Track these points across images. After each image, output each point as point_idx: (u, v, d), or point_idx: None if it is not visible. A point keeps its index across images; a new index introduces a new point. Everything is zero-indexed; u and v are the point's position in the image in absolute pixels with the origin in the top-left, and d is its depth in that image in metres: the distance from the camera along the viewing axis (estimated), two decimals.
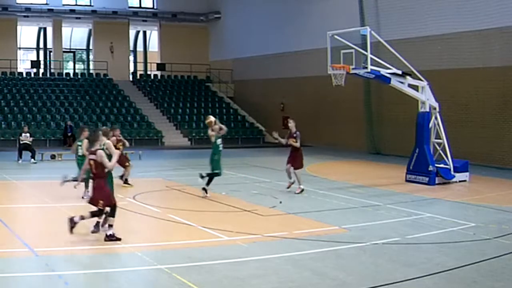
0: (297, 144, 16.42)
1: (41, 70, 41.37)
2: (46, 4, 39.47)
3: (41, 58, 43.03)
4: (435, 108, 19.24)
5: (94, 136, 11.24)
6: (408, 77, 19.11)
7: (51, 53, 41.74)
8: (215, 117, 17.17)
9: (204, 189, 15.64)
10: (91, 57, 43.84)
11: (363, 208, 14.65)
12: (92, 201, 10.82)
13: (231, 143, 35.71)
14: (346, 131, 31.65)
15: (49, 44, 42.12)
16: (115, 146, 13.81)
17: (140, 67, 45.60)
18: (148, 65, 45.69)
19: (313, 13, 33.69)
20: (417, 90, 19.23)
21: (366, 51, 18.16)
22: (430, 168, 18.55)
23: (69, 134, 32.22)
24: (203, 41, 44.02)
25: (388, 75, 18.71)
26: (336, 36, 19.06)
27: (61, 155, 26.22)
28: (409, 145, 20.36)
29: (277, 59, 36.75)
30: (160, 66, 43.10)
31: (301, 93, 35.16)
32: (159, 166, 24.14)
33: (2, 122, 32.96)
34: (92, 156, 10.72)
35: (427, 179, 18.54)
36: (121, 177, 17.39)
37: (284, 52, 35.90)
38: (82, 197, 14.38)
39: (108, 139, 11.81)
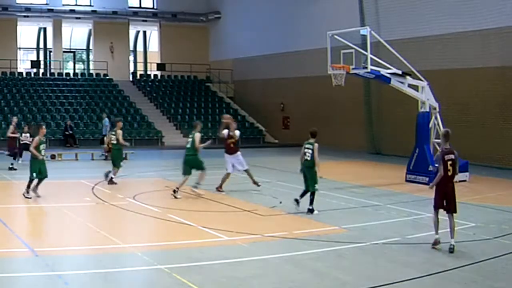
0: None
1: (41, 70, 41.33)
2: (46, 4, 39.45)
3: (41, 58, 43.01)
4: (435, 108, 19.24)
5: None
6: (408, 77, 19.11)
7: (51, 53, 41.74)
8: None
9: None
10: (91, 57, 43.83)
11: (363, 208, 14.66)
12: None
13: None
14: (346, 131, 31.65)
15: (49, 44, 42.11)
16: None
17: (140, 67, 45.59)
18: (148, 65, 45.68)
19: (313, 13, 33.69)
20: (417, 90, 19.23)
21: (366, 51, 18.16)
22: (430, 168, 18.53)
23: (70, 133, 32.29)
24: (203, 41, 44.02)
25: (388, 75, 18.72)
26: (336, 36, 19.06)
27: (61, 155, 26.22)
28: (409, 145, 20.36)
29: (277, 59, 36.74)
30: (160, 66, 43.09)
31: (301, 93, 35.16)
32: (159, 166, 24.13)
33: (2, 122, 32.95)
34: None
35: (427, 179, 18.51)
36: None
37: (284, 52, 35.89)
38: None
39: None
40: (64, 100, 36.69)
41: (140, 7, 43.20)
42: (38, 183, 15.07)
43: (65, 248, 10.22)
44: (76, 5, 40.74)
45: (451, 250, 10.13)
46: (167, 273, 8.74)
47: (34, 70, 40.68)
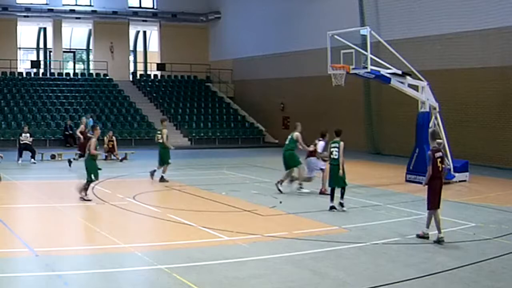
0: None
1: (41, 70, 41.34)
2: (46, 4, 39.46)
3: (41, 58, 43.03)
4: (435, 108, 19.23)
5: None
6: (408, 77, 19.10)
7: (51, 53, 41.74)
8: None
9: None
10: (91, 57, 43.84)
11: (363, 208, 14.67)
12: None
13: (231, 143, 35.79)
14: (346, 131, 31.23)
15: (49, 44, 42.11)
16: None
17: (140, 67, 45.59)
18: (148, 65, 45.68)
19: (313, 13, 33.68)
20: (417, 90, 19.23)
21: (366, 51, 18.16)
22: None
23: (70, 133, 32.31)
24: (203, 41, 44.02)
25: (388, 75, 18.72)
26: (336, 36, 19.06)
27: (61, 155, 26.20)
28: (409, 145, 20.35)
29: (277, 59, 36.74)
30: (160, 66, 43.10)
31: (301, 93, 35.14)
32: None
33: (2, 122, 32.95)
34: None
35: None
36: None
37: (284, 52, 35.88)
38: None
39: None
40: (64, 100, 36.68)
41: (140, 7, 43.20)
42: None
43: (65, 248, 10.22)
44: (76, 5, 40.75)
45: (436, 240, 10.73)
46: (167, 273, 8.74)
47: (34, 70, 40.68)
